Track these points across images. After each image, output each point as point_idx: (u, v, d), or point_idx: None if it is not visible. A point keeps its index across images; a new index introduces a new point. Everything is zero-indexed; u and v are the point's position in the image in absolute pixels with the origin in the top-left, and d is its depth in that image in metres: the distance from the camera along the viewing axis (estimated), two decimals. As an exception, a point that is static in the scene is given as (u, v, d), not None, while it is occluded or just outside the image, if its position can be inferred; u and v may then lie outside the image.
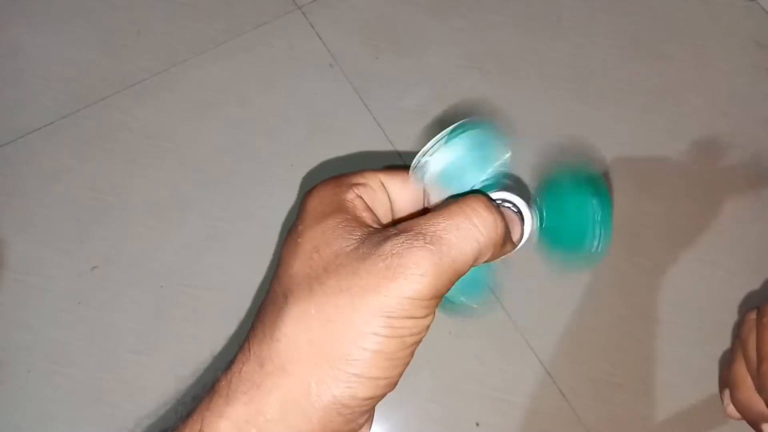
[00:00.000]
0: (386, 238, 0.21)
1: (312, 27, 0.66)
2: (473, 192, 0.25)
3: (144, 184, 0.59)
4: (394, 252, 0.20)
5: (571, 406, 0.52)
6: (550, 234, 0.26)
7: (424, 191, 0.25)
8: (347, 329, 0.20)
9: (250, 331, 0.22)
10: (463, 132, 0.25)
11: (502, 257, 0.24)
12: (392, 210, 0.25)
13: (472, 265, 0.21)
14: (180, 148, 0.60)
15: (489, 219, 0.22)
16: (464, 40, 0.66)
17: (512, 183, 0.26)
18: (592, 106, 0.63)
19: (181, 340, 0.53)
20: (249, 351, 0.21)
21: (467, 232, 0.21)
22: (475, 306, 0.26)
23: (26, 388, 0.51)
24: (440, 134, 0.25)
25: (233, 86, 0.63)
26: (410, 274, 0.20)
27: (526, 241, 0.26)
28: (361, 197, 0.23)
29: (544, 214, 0.26)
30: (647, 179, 0.60)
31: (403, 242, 0.20)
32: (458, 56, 0.65)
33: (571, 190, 0.26)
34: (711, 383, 0.52)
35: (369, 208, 0.23)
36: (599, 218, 0.25)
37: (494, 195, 0.25)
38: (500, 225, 0.22)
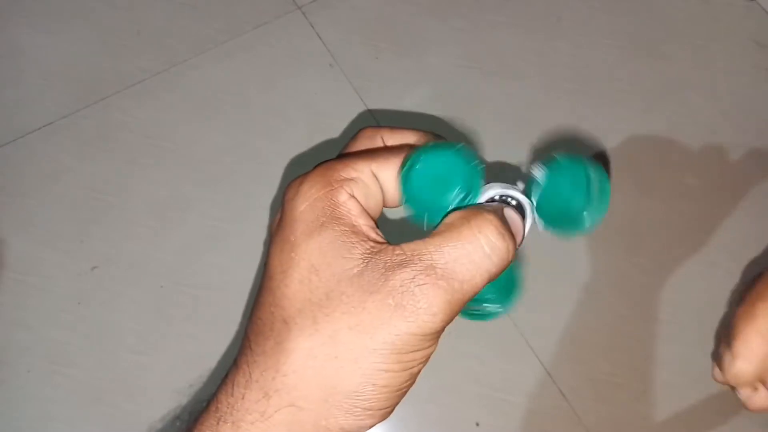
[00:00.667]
0: (394, 268, 0.20)
1: (312, 27, 0.66)
2: (486, 206, 0.23)
3: (144, 184, 0.59)
4: (404, 289, 0.19)
5: (571, 406, 0.52)
6: (542, 205, 0.25)
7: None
8: (357, 367, 0.19)
9: (247, 352, 0.21)
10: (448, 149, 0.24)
11: None
12: (384, 200, 0.24)
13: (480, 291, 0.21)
14: (180, 148, 0.60)
15: (502, 247, 0.21)
16: (464, 40, 0.66)
17: (516, 179, 0.25)
18: (592, 106, 0.63)
19: (181, 340, 0.53)
20: (250, 375, 0.20)
21: (480, 264, 0.20)
22: (501, 310, 0.25)
23: (26, 388, 0.51)
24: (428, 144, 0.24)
25: (233, 86, 0.63)
26: (422, 313, 0.19)
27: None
28: (354, 197, 0.22)
29: (540, 188, 0.24)
30: (647, 179, 0.60)
31: (413, 278, 0.20)
32: (458, 56, 0.65)
33: (566, 166, 0.25)
34: (711, 383, 0.52)
35: (364, 211, 0.22)
36: (593, 188, 0.24)
37: (498, 190, 0.24)
38: (512, 250, 0.21)
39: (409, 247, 0.20)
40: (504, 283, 0.25)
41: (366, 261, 0.20)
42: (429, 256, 0.20)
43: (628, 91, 0.65)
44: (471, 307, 0.25)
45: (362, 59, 0.65)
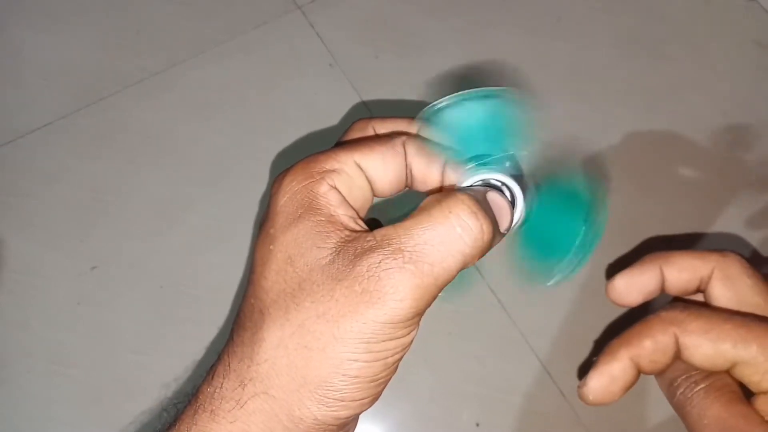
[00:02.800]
0: (362, 254, 0.19)
1: (312, 27, 0.66)
2: (465, 189, 0.23)
3: (144, 184, 0.59)
4: (370, 274, 0.19)
5: (571, 406, 0.52)
6: (526, 237, 0.24)
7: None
8: (326, 356, 0.19)
9: (229, 344, 0.21)
10: (488, 97, 0.23)
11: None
12: (373, 191, 0.23)
13: (457, 275, 0.20)
14: (180, 148, 0.60)
15: (475, 227, 0.20)
16: (464, 40, 0.66)
17: (510, 163, 0.24)
18: (592, 106, 0.63)
19: (181, 340, 0.53)
20: (229, 366, 0.20)
21: (451, 246, 0.19)
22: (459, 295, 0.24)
23: (26, 388, 0.51)
24: (465, 91, 0.23)
25: (233, 86, 0.63)
26: (388, 299, 0.19)
27: (516, 226, 0.24)
28: (335, 188, 0.21)
29: (531, 213, 0.24)
30: (647, 179, 0.60)
31: (380, 262, 0.19)
32: (458, 56, 0.65)
33: (565, 203, 0.24)
34: (711, 383, 0.52)
35: (345, 201, 0.22)
36: (583, 246, 0.24)
37: (485, 175, 0.23)
38: (487, 231, 0.20)
39: (380, 233, 0.20)
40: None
41: (338, 249, 0.20)
42: (398, 239, 0.19)
43: (628, 91, 0.65)
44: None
45: (362, 59, 0.65)
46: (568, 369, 0.53)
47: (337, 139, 0.25)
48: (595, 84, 0.65)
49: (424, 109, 0.23)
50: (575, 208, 0.25)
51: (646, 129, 0.63)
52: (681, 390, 0.24)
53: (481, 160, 0.23)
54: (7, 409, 0.50)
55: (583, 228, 0.24)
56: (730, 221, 0.59)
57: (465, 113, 0.23)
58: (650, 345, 0.23)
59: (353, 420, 0.22)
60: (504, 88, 0.22)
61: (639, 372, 0.24)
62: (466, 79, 0.64)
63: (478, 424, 0.51)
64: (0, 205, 0.57)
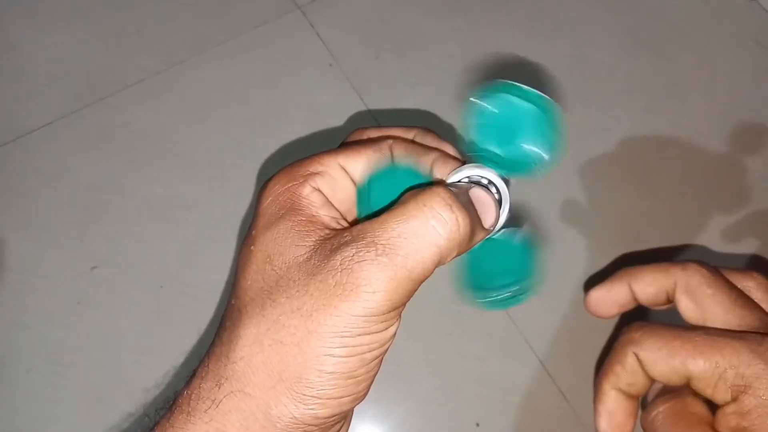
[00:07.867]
0: (337, 249, 0.19)
1: (312, 27, 0.66)
2: (434, 183, 0.22)
3: (144, 184, 0.59)
4: (343, 267, 0.19)
5: (571, 406, 0.52)
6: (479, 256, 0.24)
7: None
8: (301, 352, 0.19)
9: (210, 345, 0.21)
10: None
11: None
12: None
13: (434, 269, 0.20)
14: (180, 148, 0.60)
15: (450, 219, 0.20)
16: (464, 40, 0.66)
17: (493, 158, 0.24)
18: (592, 106, 0.63)
19: (181, 340, 0.53)
20: (207, 366, 0.20)
21: (425, 238, 0.19)
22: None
23: (26, 388, 0.51)
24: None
25: (233, 86, 0.63)
26: (361, 291, 0.18)
27: (503, 222, 0.24)
28: (318, 190, 0.21)
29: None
30: (647, 179, 0.60)
31: (353, 255, 0.19)
32: (458, 56, 0.65)
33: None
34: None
35: (328, 203, 0.21)
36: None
37: (473, 173, 0.23)
38: (463, 224, 0.20)
39: (356, 228, 0.20)
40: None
41: (316, 247, 0.20)
42: (372, 233, 0.19)
43: (628, 91, 0.65)
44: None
45: (362, 59, 0.65)
46: (568, 369, 0.53)
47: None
48: (595, 84, 0.65)
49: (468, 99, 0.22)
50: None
51: (646, 129, 0.63)
52: (647, 416, 0.24)
53: (473, 159, 0.23)
54: (7, 409, 0.50)
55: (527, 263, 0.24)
56: (730, 221, 0.59)
57: (492, 110, 0.23)
58: (621, 370, 0.24)
59: (340, 422, 0.21)
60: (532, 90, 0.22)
61: (630, 400, 0.25)
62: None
63: (478, 424, 0.51)
64: (0, 205, 0.57)
